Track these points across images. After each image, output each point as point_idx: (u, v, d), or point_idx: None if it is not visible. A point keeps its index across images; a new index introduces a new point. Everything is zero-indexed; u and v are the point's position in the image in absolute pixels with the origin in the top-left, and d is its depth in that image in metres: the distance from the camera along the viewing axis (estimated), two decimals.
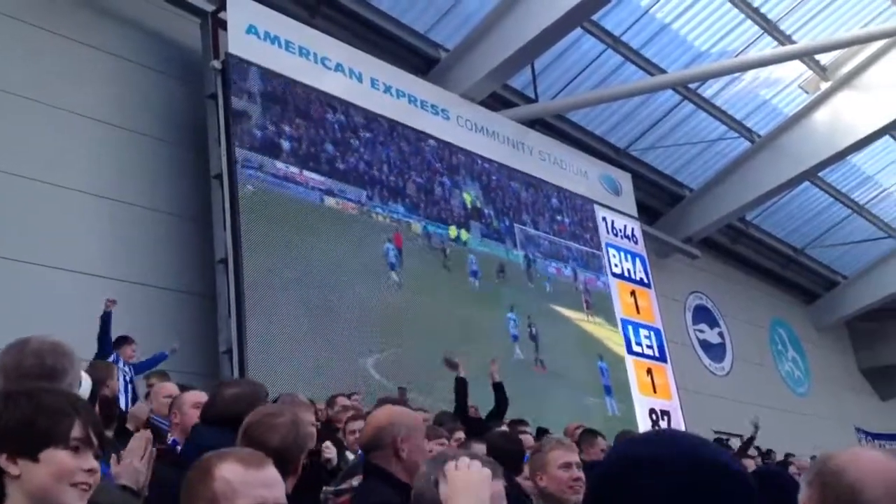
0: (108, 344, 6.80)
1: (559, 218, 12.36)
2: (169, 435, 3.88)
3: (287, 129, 9.04)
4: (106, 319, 6.88)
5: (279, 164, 8.80)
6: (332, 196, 9.24)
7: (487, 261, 10.86)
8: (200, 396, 3.90)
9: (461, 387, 7.03)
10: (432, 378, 8.53)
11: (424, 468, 2.37)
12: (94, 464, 1.70)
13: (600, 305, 12.36)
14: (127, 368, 6.77)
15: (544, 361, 10.89)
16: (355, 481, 3.11)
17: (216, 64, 8.83)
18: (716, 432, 12.23)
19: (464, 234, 10.66)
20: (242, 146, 8.49)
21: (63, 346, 2.49)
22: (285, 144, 8.96)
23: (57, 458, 1.65)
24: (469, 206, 10.94)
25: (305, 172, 9.04)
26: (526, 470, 3.79)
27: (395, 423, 2.98)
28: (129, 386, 6.73)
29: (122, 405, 5.84)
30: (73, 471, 1.65)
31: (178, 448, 3.55)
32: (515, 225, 11.54)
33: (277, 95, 9.10)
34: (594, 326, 12.11)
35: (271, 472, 1.88)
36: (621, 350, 12.25)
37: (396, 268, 9.61)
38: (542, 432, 6.56)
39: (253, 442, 2.45)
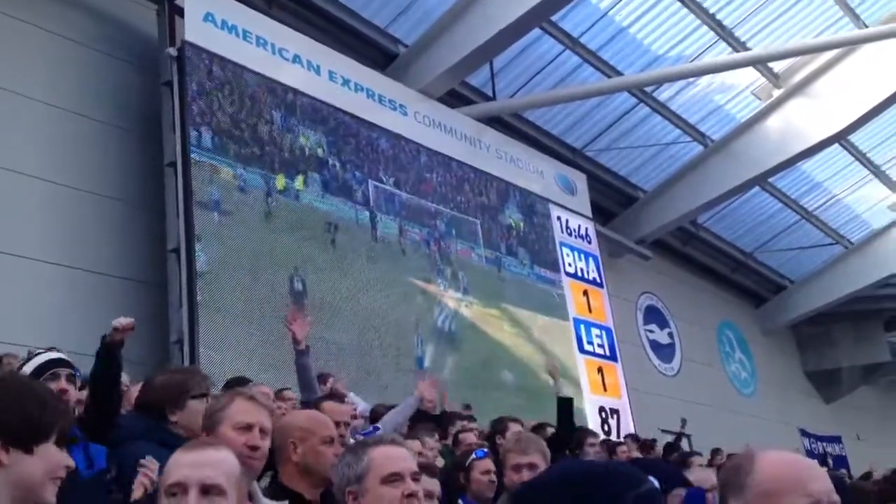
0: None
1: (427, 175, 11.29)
2: None
3: (231, 113, 8.92)
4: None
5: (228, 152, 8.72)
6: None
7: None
8: None
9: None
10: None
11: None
12: (71, 460, 1.74)
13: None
14: None
15: None
16: None
17: (172, 51, 8.72)
18: (663, 431, 12.39)
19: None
20: (196, 133, 8.40)
21: None
22: (234, 130, 8.86)
23: (50, 452, 1.68)
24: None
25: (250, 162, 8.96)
26: None
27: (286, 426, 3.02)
28: None
29: None
30: (61, 466, 1.69)
31: None
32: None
33: (231, 84, 9.00)
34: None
35: (207, 453, 1.93)
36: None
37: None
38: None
39: None
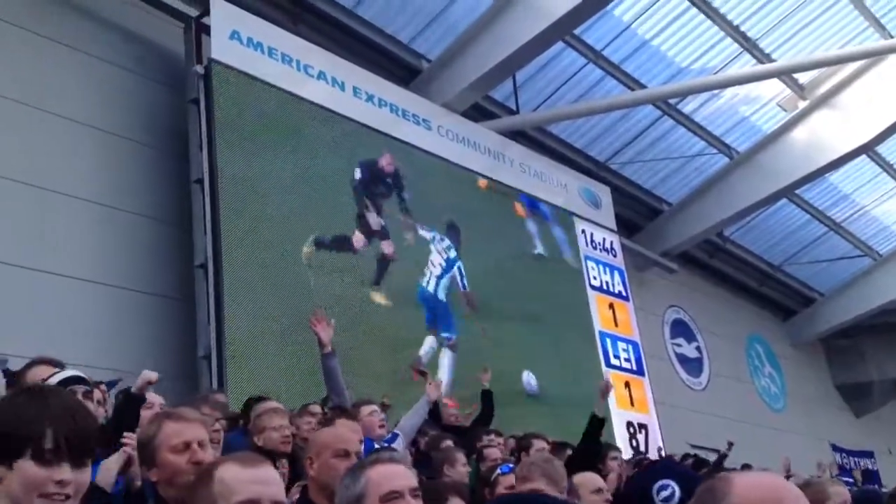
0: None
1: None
2: None
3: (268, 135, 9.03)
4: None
5: (261, 170, 8.79)
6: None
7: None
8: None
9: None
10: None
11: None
12: (67, 475, 1.67)
13: None
14: None
15: None
16: None
17: (199, 69, 8.82)
18: (692, 446, 12.27)
19: None
20: (224, 151, 8.48)
21: None
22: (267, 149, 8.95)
23: (25, 468, 1.63)
24: None
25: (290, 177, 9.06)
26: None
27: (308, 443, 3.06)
28: None
29: None
30: (44, 482, 1.63)
31: None
32: None
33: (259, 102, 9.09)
34: None
35: (267, 470, 1.94)
36: None
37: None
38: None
39: None
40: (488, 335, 10.44)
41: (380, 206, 9.97)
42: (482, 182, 11.60)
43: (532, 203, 12.37)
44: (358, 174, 9.87)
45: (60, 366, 3.83)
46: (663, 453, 10.74)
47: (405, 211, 10.28)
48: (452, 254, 10.59)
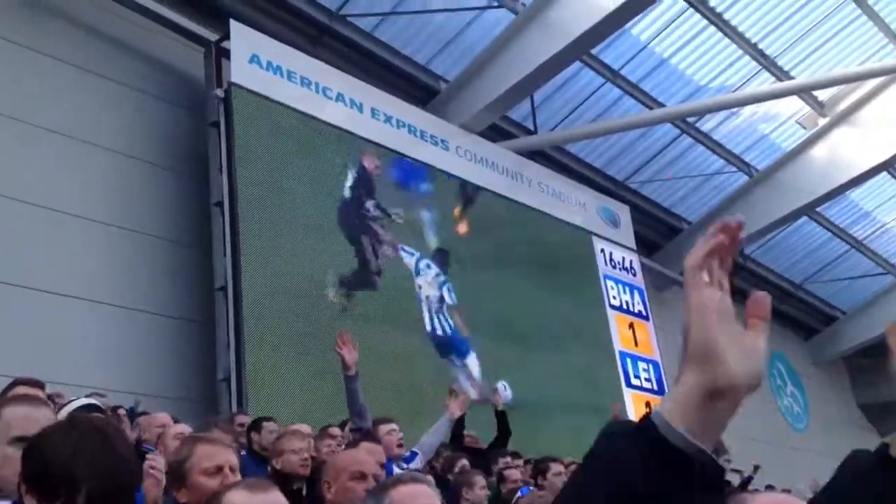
0: None
1: None
2: None
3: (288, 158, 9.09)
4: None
5: (280, 192, 8.83)
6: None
7: None
8: (184, 429, 4.27)
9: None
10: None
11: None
12: None
13: None
14: None
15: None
16: None
17: (219, 93, 8.91)
18: None
19: None
20: (244, 174, 8.53)
21: None
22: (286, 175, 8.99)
23: None
24: None
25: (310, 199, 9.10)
26: None
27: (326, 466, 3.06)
28: None
29: None
30: None
31: None
32: None
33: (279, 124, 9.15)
34: None
35: (275, 496, 1.93)
36: None
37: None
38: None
39: None
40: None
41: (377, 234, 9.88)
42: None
43: None
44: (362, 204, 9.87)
45: (41, 386, 3.84)
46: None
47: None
48: (441, 278, 10.47)
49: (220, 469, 2.69)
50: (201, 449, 2.75)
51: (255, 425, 5.62)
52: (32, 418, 2.11)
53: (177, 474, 2.74)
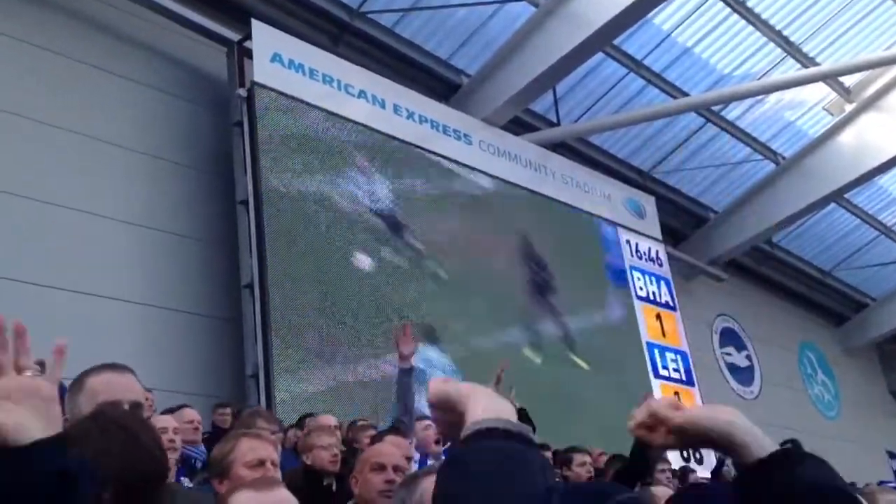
0: None
1: None
2: None
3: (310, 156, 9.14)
4: None
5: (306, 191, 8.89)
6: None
7: None
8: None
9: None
10: None
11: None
12: None
13: None
14: None
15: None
16: None
17: (242, 92, 8.98)
18: None
19: None
20: (268, 172, 8.59)
21: None
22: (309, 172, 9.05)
23: None
24: None
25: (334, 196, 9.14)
26: None
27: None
28: None
29: None
30: None
31: None
32: None
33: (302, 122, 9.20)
34: None
35: (281, 493, 1.97)
36: None
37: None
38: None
39: None
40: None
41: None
42: None
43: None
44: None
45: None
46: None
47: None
48: None
49: (262, 462, 2.76)
50: (245, 443, 2.83)
51: (299, 422, 5.71)
52: (116, 382, 2.27)
53: (220, 467, 2.82)
